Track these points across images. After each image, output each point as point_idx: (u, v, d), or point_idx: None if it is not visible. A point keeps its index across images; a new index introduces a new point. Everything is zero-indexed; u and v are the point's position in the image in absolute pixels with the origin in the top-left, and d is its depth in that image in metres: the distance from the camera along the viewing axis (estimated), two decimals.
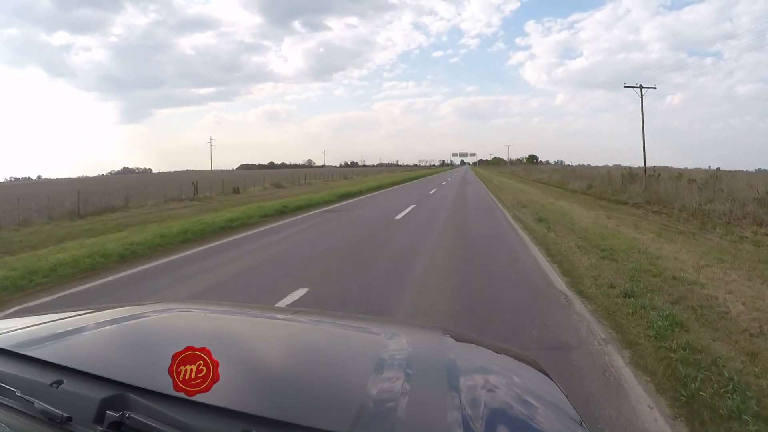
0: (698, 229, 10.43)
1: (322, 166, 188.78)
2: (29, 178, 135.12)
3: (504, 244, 7.22)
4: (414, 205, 13.26)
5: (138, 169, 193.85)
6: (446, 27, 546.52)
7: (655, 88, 21.74)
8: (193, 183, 21.19)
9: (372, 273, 5.28)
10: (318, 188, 26.25)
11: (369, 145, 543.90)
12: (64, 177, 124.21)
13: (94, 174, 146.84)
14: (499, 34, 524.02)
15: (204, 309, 1.41)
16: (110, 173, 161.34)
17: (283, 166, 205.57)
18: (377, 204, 14.58)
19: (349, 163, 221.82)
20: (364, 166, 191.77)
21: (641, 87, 21.48)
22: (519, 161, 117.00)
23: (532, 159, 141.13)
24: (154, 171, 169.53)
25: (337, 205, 14.24)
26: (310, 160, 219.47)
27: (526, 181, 38.49)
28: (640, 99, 21.46)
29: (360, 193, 19.88)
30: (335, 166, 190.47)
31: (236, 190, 23.83)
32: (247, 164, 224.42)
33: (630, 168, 29.84)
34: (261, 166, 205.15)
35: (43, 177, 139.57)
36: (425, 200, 15.86)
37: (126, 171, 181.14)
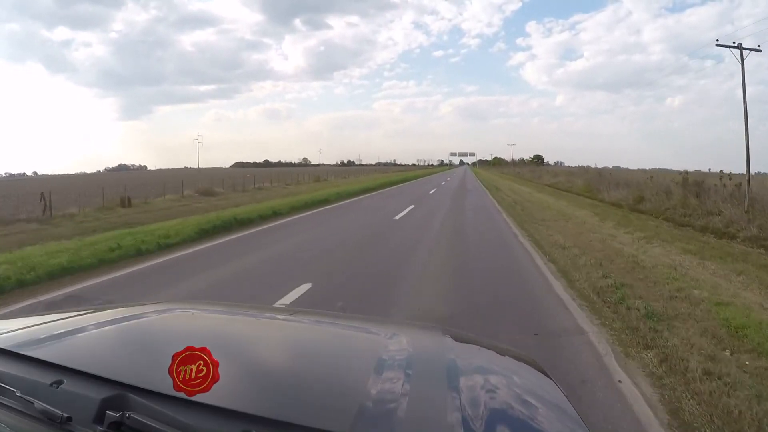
0: None
1: (318, 165, 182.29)
2: (24, 174, 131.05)
3: None
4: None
5: (133, 166, 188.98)
6: (447, 27, 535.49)
7: (760, 50, 13.86)
8: (42, 195, 13.17)
9: None
10: (263, 197, 18.94)
11: (368, 143, 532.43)
12: (61, 173, 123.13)
13: (91, 170, 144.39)
14: (500, 35, 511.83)
15: (204, 309, 1.37)
16: (105, 170, 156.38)
17: (279, 164, 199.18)
18: (266, 258, 6.48)
19: (345, 162, 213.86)
20: (361, 165, 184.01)
21: (741, 47, 13.54)
22: (522, 162, 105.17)
23: (537, 159, 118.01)
24: (150, 168, 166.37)
25: (178, 255, 6.32)
26: (305, 159, 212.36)
27: (540, 187, 29.87)
28: (741, 64, 13.48)
29: (290, 211, 11.97)
30: (331, 165, 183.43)
31: (126, 203, 15.93)
32: (242, 162, 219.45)
33: (686, 172, 21.74)
34: (256, 164, 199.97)
35: (39, 173, 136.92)
36: (375, 237, 8.21)
37: (121, 168, 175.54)
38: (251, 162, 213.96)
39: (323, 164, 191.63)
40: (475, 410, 0.72)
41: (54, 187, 14.82)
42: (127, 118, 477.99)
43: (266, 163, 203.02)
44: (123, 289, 4.92)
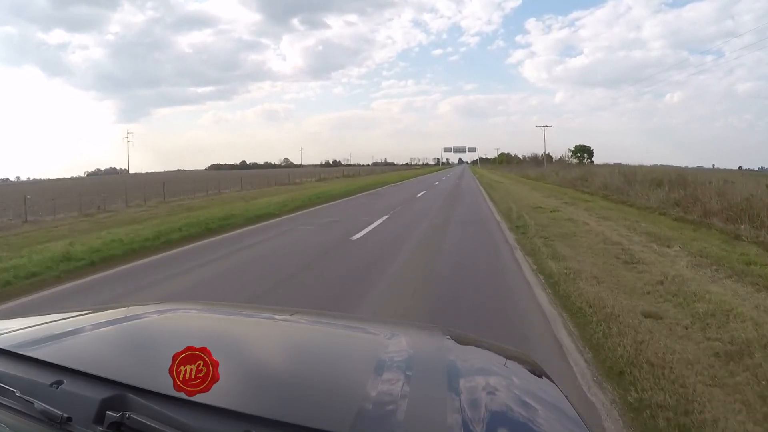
0: None
1: (300, 166, 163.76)
2: (8, 179, 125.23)
3: None
4: None
5: (113, 169, 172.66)
6: (446, 25, 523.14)
7: None
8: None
9: None
10: None
11: (366, 143, 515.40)
12: (54, 178, 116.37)
13: (86, 174, 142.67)
14: (500, 32, 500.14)
15: (204, 309, 1.41)
16: (86, 173, 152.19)
17: (263, 165, 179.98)
18: None
19: (330, 162, 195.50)
20: (349, 165, 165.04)
21: None
22: (548, 158, 59.15)
23: (583, 154, 65.82)
24: (131, 171, 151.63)
25: None
26: (286, 159, 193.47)
27: None
28: None
29: None
30: (315, 166, 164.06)
31: None
32: (219, 164, 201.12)
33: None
34: (232, 167, 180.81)
35: (22, 178, 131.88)
36: None
37: (98, 172, 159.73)
38: (227, 164, 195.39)
39: (305, 165, 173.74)
40: (475, 411, 0.73)
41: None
42: (125, 121, 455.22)
43: (243, 165, 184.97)
44: None
